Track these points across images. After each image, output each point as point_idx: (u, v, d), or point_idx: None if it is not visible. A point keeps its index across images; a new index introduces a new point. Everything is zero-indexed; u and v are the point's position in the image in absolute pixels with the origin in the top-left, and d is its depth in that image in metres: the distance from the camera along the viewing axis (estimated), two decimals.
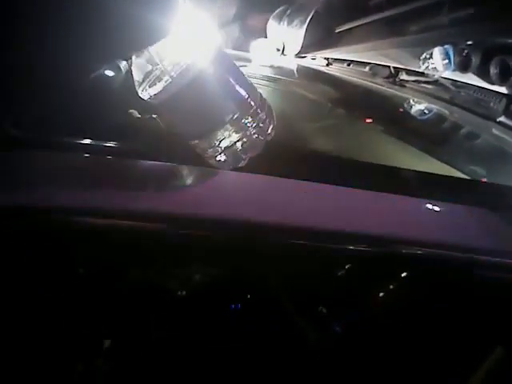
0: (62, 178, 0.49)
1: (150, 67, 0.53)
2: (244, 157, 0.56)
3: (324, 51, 1.71)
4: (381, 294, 0.59)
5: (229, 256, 0.57)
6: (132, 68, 0.55)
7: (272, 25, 2.02)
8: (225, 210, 0.54)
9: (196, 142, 0.56)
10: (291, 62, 1.77)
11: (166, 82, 0.53)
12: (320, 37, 1.81)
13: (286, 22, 1.92)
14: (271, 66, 1.56)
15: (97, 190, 0.50)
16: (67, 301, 0.55)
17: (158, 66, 0.53)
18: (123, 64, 0.99)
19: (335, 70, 1.57)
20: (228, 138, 0.55)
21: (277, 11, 2.02)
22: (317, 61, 1.74)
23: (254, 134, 0.55)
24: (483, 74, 1.00)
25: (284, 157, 0.58)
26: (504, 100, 0.97)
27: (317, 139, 0.80)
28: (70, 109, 0.54)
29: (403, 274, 0.57)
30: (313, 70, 1.63)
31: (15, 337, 0.54)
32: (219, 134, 0.54)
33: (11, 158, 0.48)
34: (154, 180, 0.54)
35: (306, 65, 1.74)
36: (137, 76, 0.55)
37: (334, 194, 0.55)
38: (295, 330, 0.60)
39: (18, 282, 0.53)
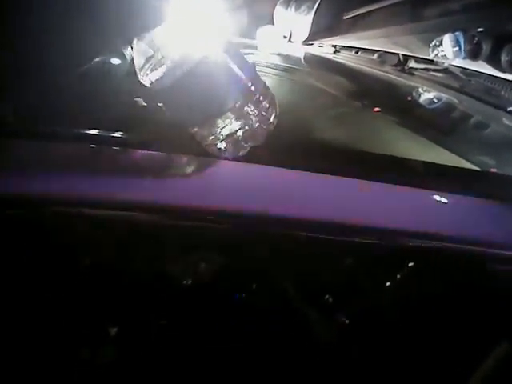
0: (60, 167, 0.49)
1: (151, 52, 0.52)
2: (245, 145, 0.56)
3: (332, 38, 1.69)
4: (389, 287, 0.58)
5: (232, 247, 0.57)
6: (133, 53, 0.54)
7: (279, 11, 1.99)
8: (227, 201, 0.53)
9: (196, 129, 0.55)
10: (298, 50, 1.75)
11: (167, 67, 0.52)
12: (328, 23, 1.79)
13: (293, 8, 1.89)
14: (278, 54, 1.54)
15: (98, 180, 0.50)
16: (64, 296, 0.55)
17: (160, 52, 0.52)
18: (128, 52, 0.98)
19: (343, 58, 1.55)
20: (229, 125, 0.54)
21: None
22: (324, 48, 1.72)
23: (256, 122, 0.54)
24: (494, 61, 0.98)
25: (291, 147, 0.57)
26: None
27: (324, 129, 0.79)
28: (72, 97, 0.54)
29: (411, 267, 0.57)
30: (320, 57, 1.62)
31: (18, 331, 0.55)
32: (220, 121, 0.54)
33: (11, 146, 0.48)
34: (156, 170, 0.54)
35: (314, 52, 1.72)
36: (138, 61, 0.54)
37: (343, 185, 0.54)
38: (298, 323, 0.60)
39: (17, 274, 0.54)
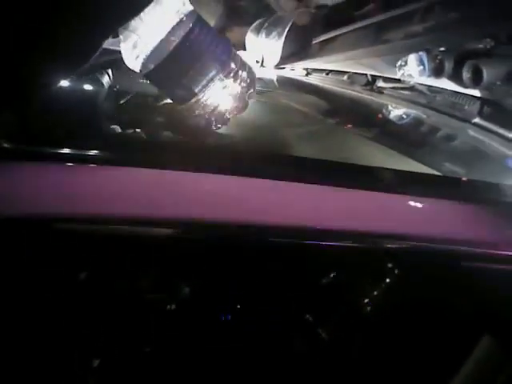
0: (52, 187, 0.50)
1: (135, 38, 0.56)
2: (229, 116, 0.60)
3: (303, 62, 1.74)
4: (370, 290, 0.60)
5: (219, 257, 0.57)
6: (120, 42, 0.57)
7: (250, 37, 2.04)
8: (215, 213, 0.54)
9: (184, 105, 0.60)
10: (271, 74, 1.79)
11: (150, 51, 0.56)
12: (298, 48, 1.84)
13: (263, 35, 1.94)
14: None
15: (86, 198, 0.50)
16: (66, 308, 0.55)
17: (142, 37, 0.56)
18: (105, 79, 1.00)
19: (315, 80, 1.60)
20: (213, 98, 0.58)
21: (254, 24, 2.04)
22: (296, 71, 1.76)
23: (237, 93, 0.59)
24: (457, 78, 1.03)
25: (269, 161, 0.59)
26: (478, 102, 1.00)
27: (301, 144, 0.82)
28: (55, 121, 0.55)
29: (390, 269, 0.59)
30: (293, 80, 1.66)
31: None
32: (204, 95, 0.58)
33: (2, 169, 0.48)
34: (145, 186, 0.55)
35: (286, 75, 1.77)
36: (124, 49, 0.58)
37: (320, 194, 0.56)
38: (286, 333, 0.60)
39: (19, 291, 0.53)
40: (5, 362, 0.54)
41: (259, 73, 1.82)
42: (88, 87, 0.92)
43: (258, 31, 2.00)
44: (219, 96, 0.61)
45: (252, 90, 0.63)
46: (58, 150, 0.49)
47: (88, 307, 0.56)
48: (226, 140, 0.71)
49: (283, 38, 1.85)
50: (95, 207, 0.50)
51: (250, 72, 0.63)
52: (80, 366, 0.56)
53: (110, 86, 0.98)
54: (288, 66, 1.84)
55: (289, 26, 1.86)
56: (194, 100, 0.60)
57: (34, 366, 0.55)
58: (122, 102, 0.99)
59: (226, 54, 0.60)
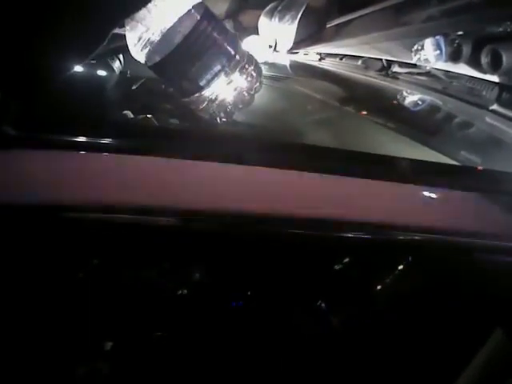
0: (61, 176, 0.50)
1: (142, 29, 0.55)
2: (235, 109, 0.60)
3: (316, 46, 1.71)
4: (381, 282, 0.59)
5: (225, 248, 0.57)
6: (126, 32, 0.57)
7: (263, 21, 2.02)
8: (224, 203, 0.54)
9: (189, 99, 0.59)
10: (284, 58, 1.77)
11: (156, 43, 0.56)
12: (312, 32, 1.81)
13: (277, 19, 1.91)
14: (264, 63, 1.56)
15: (96, 187, 0.50)
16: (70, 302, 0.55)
17: (149, 28, 0.55)
18: (116, 65, 1.00)
19: (328, 65, 1.57)
20: (218, 92, 0.58)
21: (268, 7, 2.01)
22: (309, 56, 1.74)
23: (243, 88, 0.59)
24: (475, 63, 1.01)
25: (282, 150, 0.58)
26: (496, 88, 0.98)
27: (314, 132, 0.81)
28: (66, 109, 0.55)
29: (403, 261, 0.58)
30: (306, 65, 1.64)
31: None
32: (210, 89, 0.58)
33: (11, 157, 0.48)
34: (153, 175, 0.55)
35: (299, 60, 1.74)
36: (131, 40, 0.58)
37: (333, 183, 0.55)
38: (294, 323, 0.60)
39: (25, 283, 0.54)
40: (16, 348, 0.55)
41: (272, 57, 1.81)
42: (99, 73, 0.92)
43: (271, 15, 1.97)
44: (224, 90, 0.60)
45: (258, 85, 0.62)
46: (67, 138, 0.49)
47: (113, 296, 0.56)
48: (238, 128, 0.70)
49: (297, 21, 1.83)
50: (111, 196, 0.50)
51: (257, 66, 0.62)
52: (87, 359, 0.57)
53: (121, 72, 0.98)
54: (301, 51, 1.81)
55: (303, 9, 1.83)
56: (198, 94, 0.60)
57: (43, 356, 0.55)
58: (133, 87, 0.99)
59: (233, 47, 0.59)
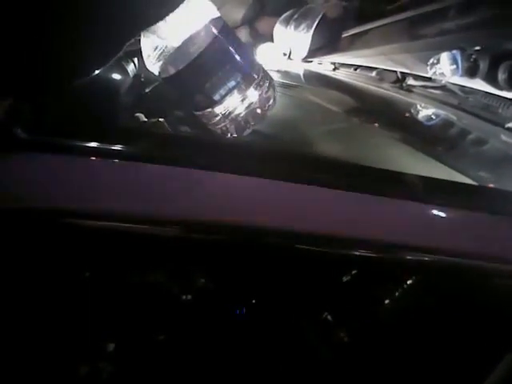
0: (69, 180, 0.50)
1: (157, 41, 0.55)
2: (247, 127, 0.59)
3: (331, 56, 1.71)
4: (388, 301, 0.58)
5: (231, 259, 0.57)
6: (141, 43, 0.57)
7: (279, 29, 2.02)
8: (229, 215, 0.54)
9: (201, 112, 0.59)
10: (298, 67, 1.77)
11: (171, 55, 0.56)
12: (327, 41, 1.81)
13: (292, 27, 1.91)
14: (278, 71, 1.56)
15: (105, 193, 0.50)
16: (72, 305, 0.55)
17: (165, 40, 0.55)
18: (131, 68, 1.00)
19: (342, 75, 1.57)
20: (231, 108, 0.58)
21: (284, 15, 2.02)
22: (323, 65, 1.74)
23: (257, 104, 0.58)
24: (491, 79, 0.99)
25: (293, 161, 0.58)
26: None
27: (325, 144, 0.80)
28: (76, 111, 0.55)
29: (411, 281, 0.57)
30: (320, 75, 1.63)
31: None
32: (223, 104, 0.57)
33: (20, 160, 0.48)
34: (161, 183, 0.55)
35: (313, 69, 1.74)
36: (145, 50, 0.58)
37: (343, 199, 0.54)
38: (294, 337, 0.60)
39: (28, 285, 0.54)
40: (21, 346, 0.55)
41: (286, 65, 1.81)
42: (113, 75, 0.92)
43: (287, 23, 1.98)
44: (238, 106, 0.60)
45: (272, 102, 0.62)
46: (78, 143, 0.49)
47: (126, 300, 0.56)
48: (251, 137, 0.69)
49: (312, 30, 1.83)
50: (120, 204, 0.50)
51: (271, 84, 0.62)
52: (91, 360, 0.56)
53: (135, 75, 0.98)
54: (315, 60, 1.81)
55: (319, 18, 1.83)
56: (211, 108, 0.59)
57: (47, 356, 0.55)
58: (146, 90, 0.99)
59: (249, 64, 0.59)
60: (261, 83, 0.60)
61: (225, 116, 0.60)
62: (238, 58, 0.58)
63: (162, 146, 0.52)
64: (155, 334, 0.58)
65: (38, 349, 0.55)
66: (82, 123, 0.53)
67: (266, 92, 0.61)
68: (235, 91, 0.58)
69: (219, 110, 0.59)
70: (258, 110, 0.60)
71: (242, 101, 0.59)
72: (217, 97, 0.58)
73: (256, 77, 0.60)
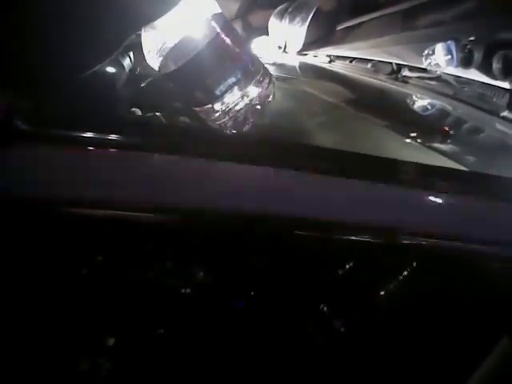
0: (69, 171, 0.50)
1: (158, 37, 0.56)
2: (246, 123, 0.59)
3: (326, 48, 1.71)
4: (387, 287, 0.59)
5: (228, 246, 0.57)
6: (142, 39, 0.57)
7: (273, 22, 2.01)
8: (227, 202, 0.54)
9: (201, 108, 0.59)
10: (293, 60, 1.77)
11: (172, 51, 0.56)
12: (322, 34, 1.81)
13: (287, 20, 1.91)
14: (273, 64, 1.56)
15: (103, 183, 0.50)
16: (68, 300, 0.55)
17: (166, 36, 0.55)
18: (126, 62, 1.00)
19: (337, 67, 1.57)
20: (231, 103, 0.58)
21: (278, 8, 2.01)
22: (319, 58, 1.74)
23: (256, 100, 0.59)
24: (486, 69, 1.00)
25: (289, 151, 0.58)
26: (507, 95, 0.97)
27: (323, 134, 0.80)
28: (74, 104, 0.55)
29: (409, 266, 0.58)
30: (315, 67, 1.63)
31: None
32: (223, 100, 0.58)
33: (21, 152, 0.48)
34: (157, 172, 0.55)
35: (309, 62, 1.74)
36: (146, 46, 0.58)
37: (341, 186, 0.55)
38: (296, 327, 0.60)
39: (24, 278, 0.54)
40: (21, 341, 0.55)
41: (281, 59, 1.80)
42: (109, 69, 0.92)
43: (281, 16, 1.97)
44: (237, 102, 0.60)
45: (271, 99, 0.62)
46: (76, 134, 0.49)
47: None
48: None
49: (307, 23, 1.82)
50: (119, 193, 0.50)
51: (271, 80, 0.62)
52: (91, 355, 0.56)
53: (130, 69, 0.98)
54: (311, 53, 1.81)
55: (313, 11, 1.83)
56: (211, 104, 0.60)
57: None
58: (142, 84, 0.99)
59: (249, 60, 0.59)
60: (261, 79, 0.61)
61: (224, 112, 0.60)
62: (238, 54, 0.58)
63: (161, 136, 0.52)
64: (157, 327, 0.58)
65: (36, 345, 0.55)
66: (80, 115, 0.53)
67: (266, 88, 0.61)
68: (235, 87, 0.58)
69: (219, 106, 0.59)
70: (258, 107, 0.61)
71: (242, 97, 0.59)
72: (217, 93, 0.58)
73: (256, 73, 0.60)
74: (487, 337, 0.60)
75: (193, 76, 0.58)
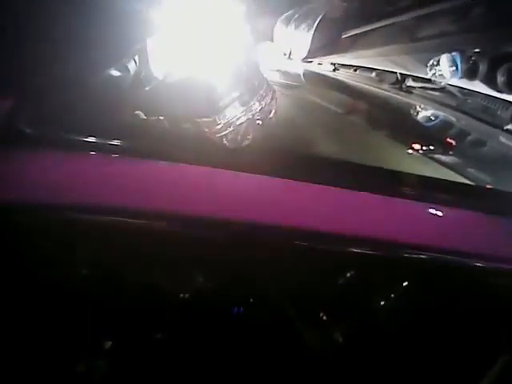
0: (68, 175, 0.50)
1: (164, 49, 0.56)
2: (247, 137, 0.60)
3: (331, 56, 1.71)
4: (384, 298, 0.58)
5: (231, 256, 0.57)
6: (148, 46, 0.57)
7: (279, 28, 2.01)
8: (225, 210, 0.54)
9: (203, 119, 0.59)
10: (298, 67, 1.77)
11: (178, 63, 0.56)
12: (327, 42, 1.81)
13: (293, 26, 1.91)
14: (278, 70, 1.56)
15: (103, 188, 0.50)
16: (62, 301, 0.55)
17: (172, 49, 0.56)
18: (131, 65, 1.00)
19: (342, 76, 1.57)
20: (233, 117, 0.58)
21: (284, 15, 2.01)
22: (323, 66, 1.74)
23: (258, 115, 0.59)
24: (490, 81, 1.00)
25: (293, 160, 0.58)
26: (511, 108, 0.97)
27: (324, 144, 0.80)
28: (80, 108, 0.55)
29: (406, 279, 0.57)
30: (320, 75, 1.63)
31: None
32: (225, 113, 0.58)
33: (23, 154, 0.48)
34: (158, 179, 0.55)
35: (313, 69, 1.74)
36: (153, 53, 0.58)
37: (341, 197, 0.55)
38: (294, 334, 0.60)
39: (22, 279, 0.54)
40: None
41: (286, 65, 1.80)
42: (114, 73, 0.92)
43: (287, 22, 1.97)
44: (239, 116, 0.60)
45: (272, 115, 0.62)
46: (78, 138, 0.49)
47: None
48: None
49: (313, 30, 1.82)
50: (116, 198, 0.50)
51: (274, 96, 0.63)
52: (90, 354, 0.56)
53: (135, 73, 0.98)
54: (316, 60, 1.81)
55: (319, 18, 1.83)
56: (213, 117, 0.60)
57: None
58: (147, 88, 0.99)
59: (254, 75, 0.60)
60: (264, 95, 0.61)
61: (226, 125, 0.60)
62: (241, 69, 0.59)
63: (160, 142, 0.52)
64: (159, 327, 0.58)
65: (35, 344, 0.55)
66: (80, 119, 0.53)
67: (269, 104, 0.62)
68: (238, 102, 0.59)
69: (221, 119, 0.60)
70: (259, 122, 0.61)
71: (244, 111, 0.60)
72: (220, 106, 0.59)
73: (260, 88, 0.61)
74: (489, 351, 0.59)
75: (193, 89, 0.59)
